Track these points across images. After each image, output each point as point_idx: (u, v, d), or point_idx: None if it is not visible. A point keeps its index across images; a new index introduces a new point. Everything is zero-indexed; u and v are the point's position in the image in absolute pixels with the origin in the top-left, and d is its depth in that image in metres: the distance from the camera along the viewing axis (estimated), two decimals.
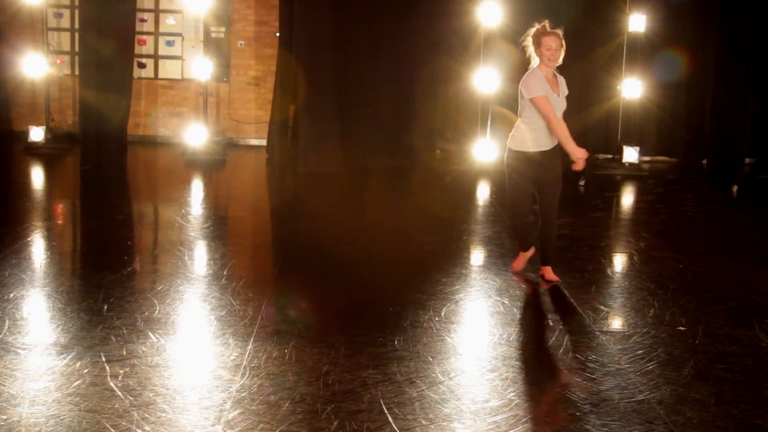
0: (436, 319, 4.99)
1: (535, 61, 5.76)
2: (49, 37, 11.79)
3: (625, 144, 11.30)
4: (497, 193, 9.33)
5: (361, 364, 4.24)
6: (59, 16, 12.33)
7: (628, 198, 10.04)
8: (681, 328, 4.95)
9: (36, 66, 11.35)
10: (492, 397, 3.91)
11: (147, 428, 3.46)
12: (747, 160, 11.68)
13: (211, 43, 12.30)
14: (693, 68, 11.77)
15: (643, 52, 11.50)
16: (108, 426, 3.45)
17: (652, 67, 11.57)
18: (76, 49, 12.03)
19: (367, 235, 7.37)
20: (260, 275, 6.08)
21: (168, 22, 12.46)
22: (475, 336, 4.83)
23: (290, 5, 10.69)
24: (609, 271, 6.42)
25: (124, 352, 4.27)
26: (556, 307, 5.28)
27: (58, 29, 12.37)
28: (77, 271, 6.03)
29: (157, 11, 12.45)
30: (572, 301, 5.41)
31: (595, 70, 11.27)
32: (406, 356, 4.37)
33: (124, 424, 3.48)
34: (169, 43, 12.48)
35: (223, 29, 12.40)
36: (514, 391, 3.97)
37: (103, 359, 4.16)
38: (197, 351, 4.40)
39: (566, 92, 5.77)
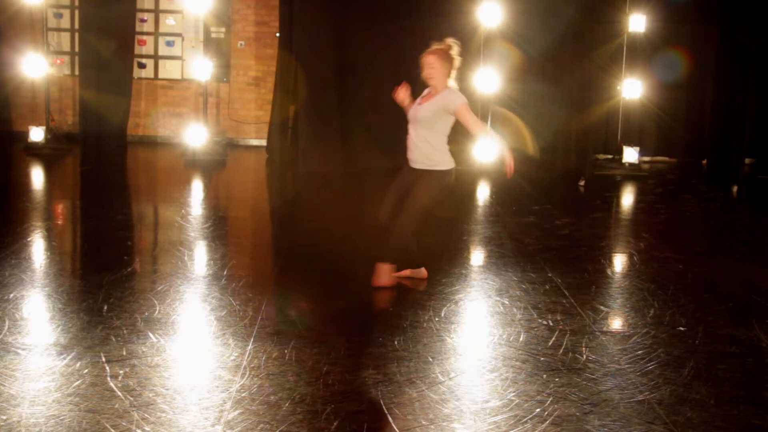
0: (436, 319, 4.99)
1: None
2: (49, 37, 11.80)
3: (624, 144, 11.31)
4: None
5: (361, 364, 4.24)
6: (59, 16, 12.34)
7: (628, 198, 10.04)
8: (681, 328, 4.95)
9: (36, 66, 11.36)
10: (492, 397, 3.91)
11: (147, 428, 3.46)
12: (747, 160, 11.68)
13: (211, 44, 12.31)
14: (693, 68, 11.78)
15: (643, 52, 11.51)
16: (108, 426, 3.45)
17: (652, 67, 11.58)
18: (76, 49, 12.04)
19: (367, 236, 7.37)
20: (260, 275, 6.07)
21: (168, 22, 12.46)
22: (475, 336, 4.83)
23: (290, 5, 10.69)
24: (609, 271, 6.42)
25: (124, 352, 4.27)
26: (556, 307, 5.28)
27: (58, 29, 12.38)
28: (77, 271, 6.03)
29: (157, 11, 12.45)
30: (572, 301, 5.41)
31: (595, 70, 11.28)
32: (406, 356, 4.36)
33: (124, 424, 3.48)
34: (169, 44, 12.49)
35: (223, 29, 12.40)
36: (514, 391, 3.97)
37: (103, 359, 4.16)
38: (197, 351, 4.40)
39: (431, 107, 5.52)
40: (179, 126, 12.29)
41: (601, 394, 3.96)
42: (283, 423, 3.55)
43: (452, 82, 5.52)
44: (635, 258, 6.71)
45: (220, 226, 7.58)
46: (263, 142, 11.97)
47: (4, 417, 3.50)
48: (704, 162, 12.11)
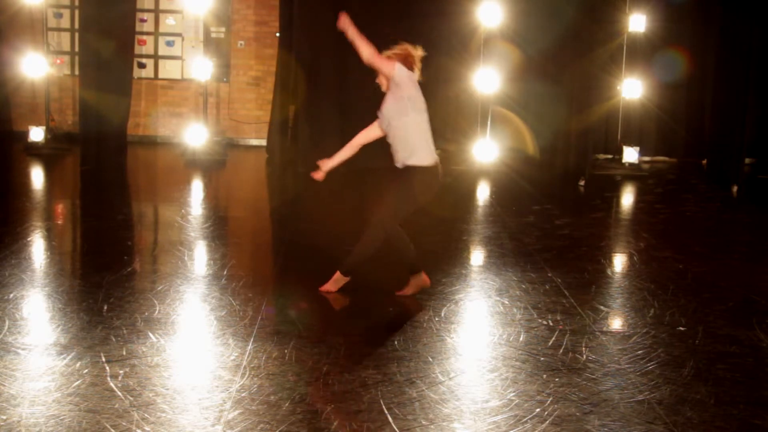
0: (436, 319, 4.99)
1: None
2: (49, 37, 11.79)
3: (624, 144, 11.31)
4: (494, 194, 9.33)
5: (361, 364, 4.24)
6: (59, 16, 12.34)
7: (628, 198, 10.04)
8: (681, 328, 4.95)
9: (36, 66, 11.35)
10: (492, 397, 3.91)
11: (147, 428, 3.45)
12: (747, 160, 11.68)
13: (211, 43, 12.31)
14: (693, 68, 11.78)
15: (643, 52, 11.50)
16: (108, 426, 3.45)
17: (652, 67, 11.57)
18: (76, 49, 12.03)
19: None
20: (260, 275, 6.07)
21: (168, 22, 12.46)
22: (475, 336, 4.83)
23: (290, 5, 10.69)
24: (609, 271, 6.42)
25: (124, 352, 4.27)
26: (556, 307, 5.28)
27: (58, 29, 12.37)
28: (77, 271, 6.03)
29: (157, 11, 12.45)
30: (572, 301, 5.41)
31: (595, 70, 11.27)
32: (406, 356, 4.37)
33: (124, 424, 3.48)
34: (169, 44, 12.49)
35: (223, 29, 12.40)
36: (514, 391, 3.97)
37: (103, 359, 4.16)
38: (197, 351, 4.40)
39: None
40: (179, 126, 12.29)
41: (601, 394, 3.96)
42: (283, 423, 3.55)
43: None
44: (635, 258, 6.71)
45: (220, 226, 7.58)
46: (263, 142, 11.97)
47: (4, 417, 3.50)
48: (704, 162, 12.11)
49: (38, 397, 3.70)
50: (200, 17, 11.93)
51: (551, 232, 7.53)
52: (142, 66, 12.43)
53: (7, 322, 4.62)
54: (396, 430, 3.53)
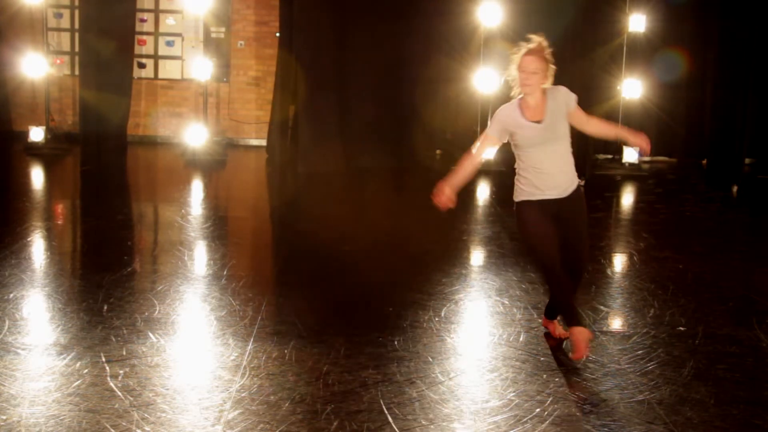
0: (436, 319, 4.99)
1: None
2: (49, 37, 11.79)
3: (624, 144, 11.30)
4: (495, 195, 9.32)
5: (361, 364, 4.24)
6: (59, 16, 12.33)
7: (628, 198, 10.03)
8: (681, 328, 4.95)
9: (36, 66, 11.35)
10: (492, 397, 3.91)
11: (147, 428, 3.45)
12: (747, 160, 11.68)
13: (211, 43, 12.30)
14: (693, 68, 11.77)
15: (643, 52, 11.49)
16: (108, 426, 3.45)
17: (652, 67, 11.57)
18: (76, 49, 12.03)
19: (367, 236, 7.37)
20: (260, 275, 6.07)
21: (168, 22, 12.46)
22: (475, 336, 4.83)
23: (290, 5, 10.69)
24: (609, 271, 6.42)
25: (124, 352, 4.27)
26: None
27: (58, 29, 12.37)
28: (77, 271, 6.03)
29: (157, 11, 12.45)
30: None
31: (595, 70, 11.27)
32: (406, 356, 4.36)
33: (124, 424, 3.48)
34: (169, 44, 12.48)
35: (223, 29, 12.40)
36: (514, 391, 3.97)
37: (103, 359, 4.16)
38: (197, 351, 4.40)
39: (563, 110, 4.48)
40: (179, 126, 12.28)
41: (601, 394, 3.96)
42: (283, 423, 3.55)
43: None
44: (635, 258, 6.71)
45: (220, 226, 7.58)
46: (263, 142, 11.96)
47: (4, 417, 3.50)
48: (704, 162, 12.10)
49: (38, 397, 3.70)
50: (200, 17, 11.92)
51: None
52: (142, 66, 12.43)
53: (7, 322, 4.62)
54: (396, 430, 3.53)
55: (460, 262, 6.50)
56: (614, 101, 11.41)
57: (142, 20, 12.30)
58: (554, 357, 4.43)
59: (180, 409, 3.65)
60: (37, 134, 11.17)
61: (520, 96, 4.48)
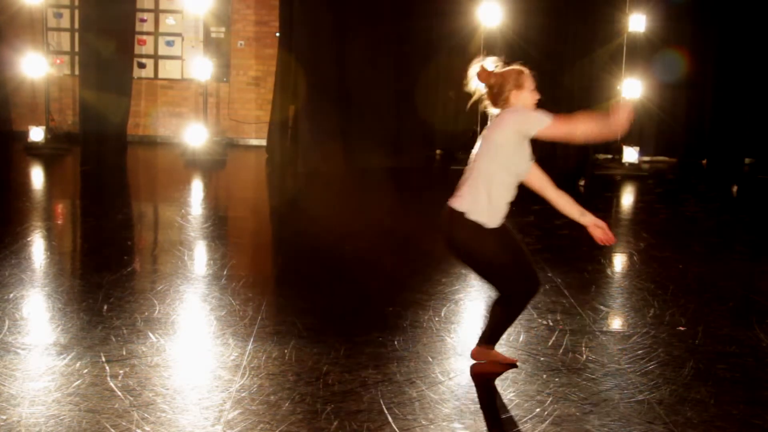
0: (436, 319, 4.98)
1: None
2: (49, 37, 11.79)
3: (624, 144, 11.31)
4: None
5: (361, 364, 4.24)
6: (59, 16, 12.33)
7: (628, 198, 10.03)
8: (681, 328, 4.95)
9: (36, 66, 11.35)
10: (492, 397, 3.91)
11: (147, 428, 3.45)
12: (747, 160, 11.68)
13: (211, 43, 12.30)
14: (693, 68, 11.77)
15: (643, 52, 11.50)
16: (108, 426, 3.45)
17: (652, 67, 11.57)
18: (76, 49, 12.04)
19: (367, 235, 7.37)
20: (260, 275, 6.07)
21: (168, 22, 12.46)
22: (475, 336, 4.83)
23: (290, 5, 10.69)
24: (609, 271, 6.42)
25: (124, 352, 4.27)
26: (556, 307, 5.27)
27: (58, 29, 12.37)
28: (77, 271, 6.03)
29: (157, 11, 12.45)
30: (572, 301, 5.41)
31: (595, 70, 11.28)
32: (406, 356, 4.36)
33: (124, 424, 3.48)
34: (169, 43, 12.48)
35: (223, 29, 12.40)
36: (514, 391, 3.97)
37: (103, 359, 4.16)
38: (197, 351, 4.40)
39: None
40: (179, 126, 12.29)
41: (601, 394, 3.96)
42: (283, 423, 3.55)
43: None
44: (635, 258, 6.71)
45: (220, 226, 7.58)
46: (263, 142, 11.96)
47: (4, 417, 3.50)
48: (704, 162, 12.11)
49: (38, 397, 3.70)
50: (200, 17, 11.93)
51: (551, 232, 7.53)
52: (142, 66, 12.43)
53: (7, 322, 4.62)
54: (396, 430, 3.53)
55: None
56: (614, 101, 11.42)
57: (142, 20, 12.30)
58: (554, 357, 4.43)
59: (180, 409, 3.65)
60: (37, 134, 11.17)
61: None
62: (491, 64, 4.48)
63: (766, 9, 11.31)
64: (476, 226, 4.07)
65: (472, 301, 5.45)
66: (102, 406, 3.64)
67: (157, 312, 4.91)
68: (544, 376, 4.17)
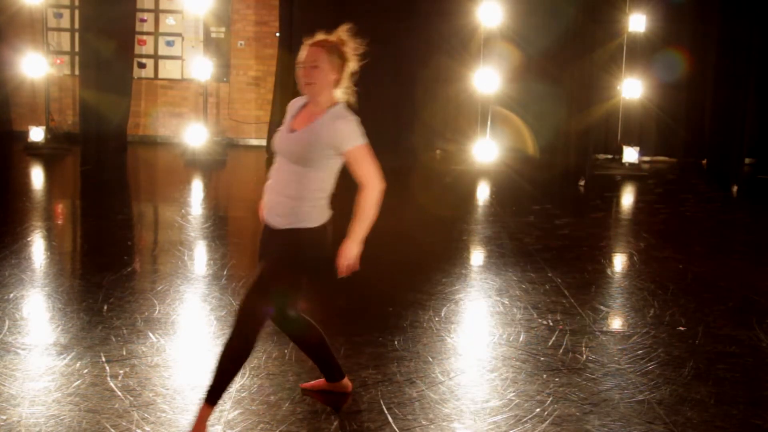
0: (436, 319, 4.98)
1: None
2: (49, 37, 11.79)
3: (624, 144, 11.30)
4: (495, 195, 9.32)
5: (361, 364, 4.24)
6: (59, 16, 12.33)
7: (628, 198, 10.03)
8: (681, 328, 4.95)
9: (36, 66, 11.35)
10: (492, 397, 3.91)
11: (147, 428, 3.45)
12: (747, 160, 11.68)
13: (211, 43, 12.30)
14: (693, 68, 11.77)
15: (643, 52, 11.50)
16: (108, 426, 3.45)
17: (652, 67, 11.57)
18: (76, 49, 12.03)
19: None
20: None
21: (168, 22, 12.46)
22: (475, 336, 4.83)
23: (290, 5, 10.69)
24: (609, 271, 6.42)
25: (124, 352, 4.27)
26: (556, 307, 5.27)
27: (58, 29, 12.36)
28: (77, 271, 6.03)
29: (157, 11, 12.44)
30: (572, 301, 5.41)
31: (595, 70, 11.27)
32: (406, 356, 4.36)
33: (124, 424, 3.48)
34: (169, 43, 12.48)
35: (223, 29, 12.39)
36: (514, 391, 3.97)
37: (103, 359, 4.16)
38: (197, 351, 4.40)
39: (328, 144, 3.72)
40: (179, 126, 12.28)
41: (601, 394, 3.96)
42: (283, 423, 3.55)
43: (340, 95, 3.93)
44: (635, 258, 6.71)
45: (220, 226, 7.58)
46: (263, 142, 11.96)
47: (4, 417, 3.50)
48: (704, 162, 12.10)
49: (38, 397, 3.70)
50: (200, 17, 11.92)
51: (551, 232, 7.53)
52: (142, 66, 12.42)
53: (7, 322, 4.62)
54: (396, 430, 3.53)
55: (460, 262, 6.50)
56: (614, 101, 11.42)
57: (142, 20, 12.30)
58: (554, 357, 4.43)
59: (180, 409, 3.65)
60: (37, 134, 11.16)
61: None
62: None
63: (765, 9, 11.30)
64: None
65: (472, 301, 5.45)
66: (102, 406, 3.64)
67: (157, 312, 4.91)
68: (544, 376, 4.17)
